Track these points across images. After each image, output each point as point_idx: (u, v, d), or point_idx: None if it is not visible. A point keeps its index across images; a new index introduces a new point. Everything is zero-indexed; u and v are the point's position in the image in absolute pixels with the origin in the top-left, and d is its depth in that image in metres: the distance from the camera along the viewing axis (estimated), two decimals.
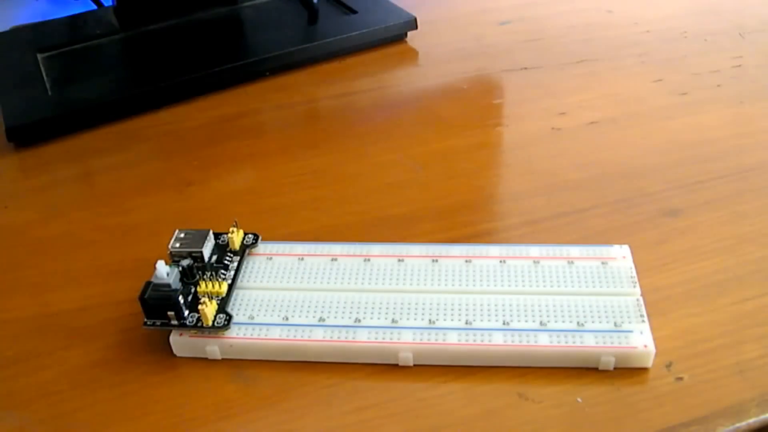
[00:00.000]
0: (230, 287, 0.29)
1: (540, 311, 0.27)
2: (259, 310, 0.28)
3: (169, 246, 0.29)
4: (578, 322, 0.27)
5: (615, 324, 0.26)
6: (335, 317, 0.28)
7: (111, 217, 0.36)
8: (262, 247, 0.31)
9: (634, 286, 0.28)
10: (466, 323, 0.27)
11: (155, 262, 0.27)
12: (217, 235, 0.30)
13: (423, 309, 0.28)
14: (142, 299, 0.27)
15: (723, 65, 0.44)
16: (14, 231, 0.36)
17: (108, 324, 0.30)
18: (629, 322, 0.26)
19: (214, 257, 0.30)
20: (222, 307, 0.28)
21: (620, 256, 0.29)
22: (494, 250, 0.30)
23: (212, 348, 0.27)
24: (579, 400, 0.25)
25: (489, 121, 0.40)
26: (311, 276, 0.29)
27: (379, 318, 0.27)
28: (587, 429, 0.24)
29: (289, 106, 0.44)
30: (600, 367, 0.26)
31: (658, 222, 0.32)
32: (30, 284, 0.32)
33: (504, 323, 0.27)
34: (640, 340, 0.26)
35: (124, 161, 0.40)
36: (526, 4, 0.54)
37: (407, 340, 0.27)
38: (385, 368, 0.27)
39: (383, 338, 0.27)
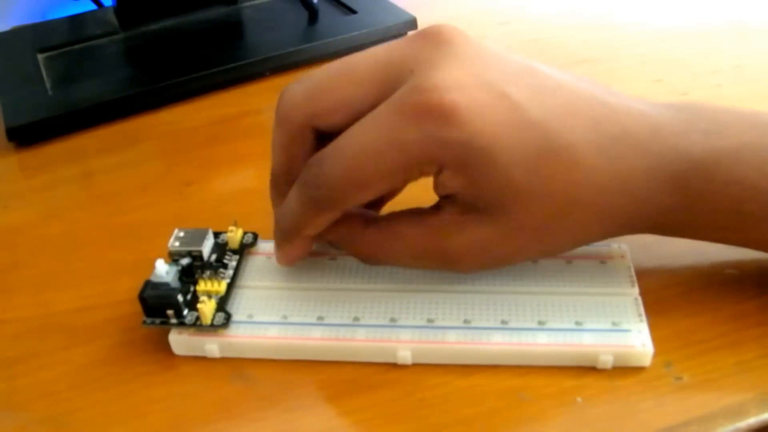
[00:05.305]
0: (229, 286, 0.29)
1: (538, 310, 0.27)
2: (258, 309, 0.28)
3: (169, 245, 0.29)
4: (576, 321, 0.27)
5: (613, 323, 0.26)
6: (334, 316, 0.28)
7: (111, 217, 0.36)
8: (261, 246, 0.31)
9: (633, 286, 0.28)
10: (465, 322, 0.27)
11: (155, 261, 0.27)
12: (216, 234, 0.31)
13: (422, 308, 0.28)
14: (141, 298, 0.27)
15: (723, 65, 0.44)
16: (14, 231, 0.36)
17: (108, 324, 0.30)
18: (627, 321, 0.26)
19: (214, 256, 0.30)
20: (221, 305, 0.28)
21: (619, 255, 0.29)
22: None
23: (211, 346, 0.27)
24: (579, 399, 0.25)
25: None
26: (310, 275, 0.29)
27: (377, 317, 0.27)
28: (587, 429, 0.24)
29: None
30: (598, 366, 0.26)
31: None
32: (30, 284, 0.32)
33: (502, 322, 0.27)
34: (638, 339, 0.26)
35: (124, 161, 0.40)
36: (526, 4, 0.54)
37: (406, 339, 0.27)
38: (384, 368, 0.27)
39: (382, 337, 0.27)
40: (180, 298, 0.27)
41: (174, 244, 0.29)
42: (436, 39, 0.25)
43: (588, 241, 0.27)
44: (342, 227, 0.27)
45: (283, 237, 0.28)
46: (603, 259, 0.29)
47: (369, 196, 0.25)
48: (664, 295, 0.28)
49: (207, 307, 0.27)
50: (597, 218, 0.26)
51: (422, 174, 0.25)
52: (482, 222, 0.25)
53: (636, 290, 0.28)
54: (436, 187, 0.26)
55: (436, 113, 0.23)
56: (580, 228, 0.26)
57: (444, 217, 0.26)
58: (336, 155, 0.25)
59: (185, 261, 0.29)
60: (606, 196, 0.25)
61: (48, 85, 0.45)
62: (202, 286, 0.28)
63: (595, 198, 0.25)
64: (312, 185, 0.26)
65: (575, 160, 0.24)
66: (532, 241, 0.26)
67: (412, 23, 0.49)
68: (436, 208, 0.26)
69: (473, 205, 0.25)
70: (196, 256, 0.29)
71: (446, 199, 0.26)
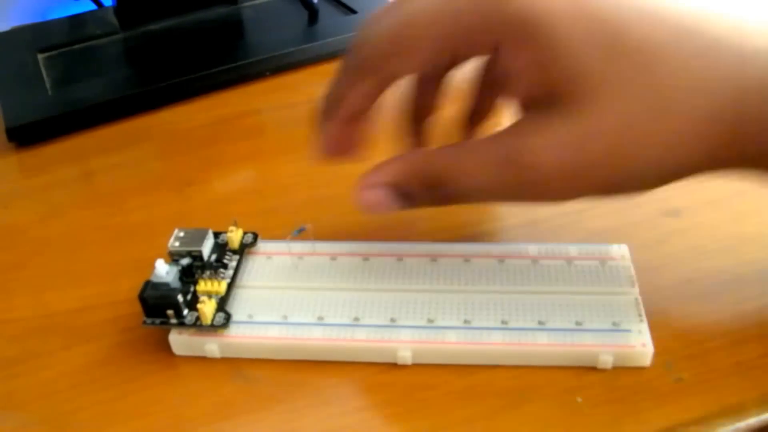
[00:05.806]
0: (229, 286, 0.29)
1: (538, 310, 0.27)
2: (258, 309, 0.28)
3: (169, 245, 0.29)
4: (576, 321, 0.27)
5: (613, 323, 0.26)
6: (334, 316, 0.28)
7: (111, 217, 0.36)
8: (261, 246, 0.31)
9: (633, 286, 0.28)
10: (465, 322, 0.27)
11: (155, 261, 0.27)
12: (216, 234, 0.30)
13: (422, 308, 0.28)
14: (142, 298, 0.27)
15: None
16: (14, 231, 0.36)
17: (108, 324, 0.30)
18: (627, 322, 0.26)
19: (214, 256, 0.30)
20: (221, 305, 0.28)
21: (619, 255, 0.29)
22: (493, 249, 0.30)
23: (211, 346, 0.27)
24: (579, 399, 0.25)
25: (489, 122, 0.40)
26: (310, 275, 0.29)
27: (377, 317, 0.27)
28: (587, 429, 0.24)
29: (289, 106, 0.44)
30: (598, 366, 0.26)
31: (657, 222, 0.32)
32: (30, 284, 0.32)
33: (503, 322, 0.27)
34: (638, 339, 0.26)
35: (124, 161, 0.40)
36: None
37: (406, 339, 0.27)
38: (384, 367, 0.27)
39: (382, 337, 0.27)
40: (180, 298, 0.27)
41: (174, 244, 0.29)
42: None
43: (674, 168, 0.24)
44: (415, 151, 0.28)
45: (324, 115, 0.27)
46: (603, 260, 0.29)
47: (411, 63, 0.25)
48: (664, 295, 0.28)
49: (207, 307, 0.27)
50: (692, 128, 0.22)
51: (473, 49, 0.25)
52: (559, 119, 0.23)
53: (636, 290, 0.28)
54: (500, 70, 0.24)
55: None
56: (670, 145, 0.23)
57: (520, 122, 0.24)
58: (382, 20, 0.26)
59: (185, 261, 0.29)
60: (702, 98, 0.22)
61: (48, 85, 0.45)
62: (202, 286, 0.28)
63: (691, 99, 0.22)
64: (355, 47, 0.26)
65: (657, 58, 0.22)
66: (615, 150, 0.23)
67: None
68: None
69: (547, 99, 0.23)
70: (196, 256, 0.29)
71: (523, 107, 0.25)
